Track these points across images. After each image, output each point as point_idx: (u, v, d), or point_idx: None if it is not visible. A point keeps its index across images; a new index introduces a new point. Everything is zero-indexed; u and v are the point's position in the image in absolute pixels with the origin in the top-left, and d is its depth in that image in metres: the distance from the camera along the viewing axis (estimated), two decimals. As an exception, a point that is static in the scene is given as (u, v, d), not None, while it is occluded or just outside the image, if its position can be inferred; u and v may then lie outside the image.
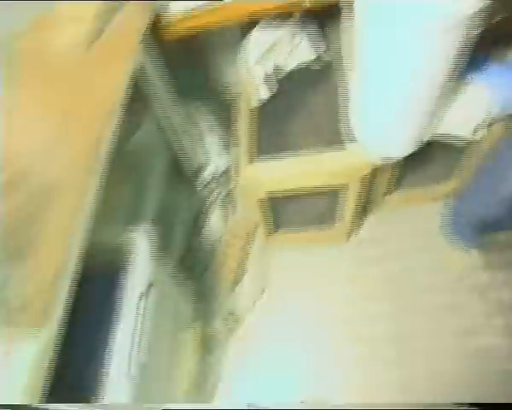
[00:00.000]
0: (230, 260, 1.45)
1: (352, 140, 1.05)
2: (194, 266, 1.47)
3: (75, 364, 0.83)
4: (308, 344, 1.33)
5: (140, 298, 0.84)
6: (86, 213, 0.74)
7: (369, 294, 1.37)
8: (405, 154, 1.02)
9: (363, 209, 1.45)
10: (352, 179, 1.11)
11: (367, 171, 1.07)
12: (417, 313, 1.30)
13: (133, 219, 1.17)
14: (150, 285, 0.87)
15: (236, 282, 1.45)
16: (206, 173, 1.44)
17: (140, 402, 0.81)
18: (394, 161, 1.07)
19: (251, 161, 1.10)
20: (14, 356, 0.65)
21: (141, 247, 0.90)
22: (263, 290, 1.44)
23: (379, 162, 1.05)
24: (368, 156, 1.04)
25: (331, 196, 1.23)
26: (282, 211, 1.33)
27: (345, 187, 1.14)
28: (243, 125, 1.18)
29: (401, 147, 1.01)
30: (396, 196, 1.42)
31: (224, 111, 1.65)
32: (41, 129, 0.79)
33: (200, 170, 1.45)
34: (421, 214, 1.46)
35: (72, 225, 0.70)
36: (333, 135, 1.10)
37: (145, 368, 0.82)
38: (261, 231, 1.47)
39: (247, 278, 1.48)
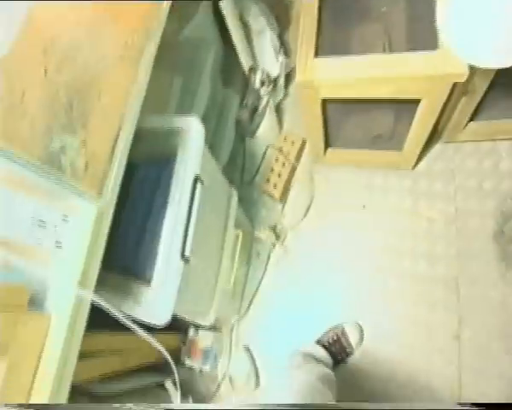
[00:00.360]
0: (276, 175, 1.39)
1: (436, 45, 0.87)
2: (240, 172, 1.43)
3: (127, 245, 0.86)
4: (348, 273, 1.29)
5: (192, 184, 0.84)
6: (138, 92, 0.78)
7: (423, 232, 1.26)
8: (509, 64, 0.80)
9: (435, 135, 1.27)
10: (427, 93, 0.95)
11: (449, 83, 0.89)
12: (476, 260, 1.18)
13: (184, 110, 1.15)
14: (200, 176, 0.86)
15: (281, 198, 1.41)
16: (258, 78, 1.32)
17: (185, 288, 0.82)
18: (490, 69, 0.87)
19: (308, 62, 0.98)
20: (72, 219, 0.70)
21: (192, 134, 0.88)
22: (308, 209, 1.39)
23: (467, 73, 0.85)
24: (455, 65, 0.85)
25: (399, 111, 1.09)
26: (339, 124, 1.21)
27: (417, 101, 0.99)
28: (303, 22, 1.04)
29: (506, 54, 0.79)
30: (476, 126, 1.22)
31: (280, 12, 1.48)
32: (85, 13, 0.76)
33: (251, 73, 1.33)
34: (504, 151, 1.25)
35: (124, 103, 0.75)
36: (410, 37, 0.94)
37: (192, 256, 0.83)
38: (312, 146, 1.37)
39: (292, 195, 1.43)
